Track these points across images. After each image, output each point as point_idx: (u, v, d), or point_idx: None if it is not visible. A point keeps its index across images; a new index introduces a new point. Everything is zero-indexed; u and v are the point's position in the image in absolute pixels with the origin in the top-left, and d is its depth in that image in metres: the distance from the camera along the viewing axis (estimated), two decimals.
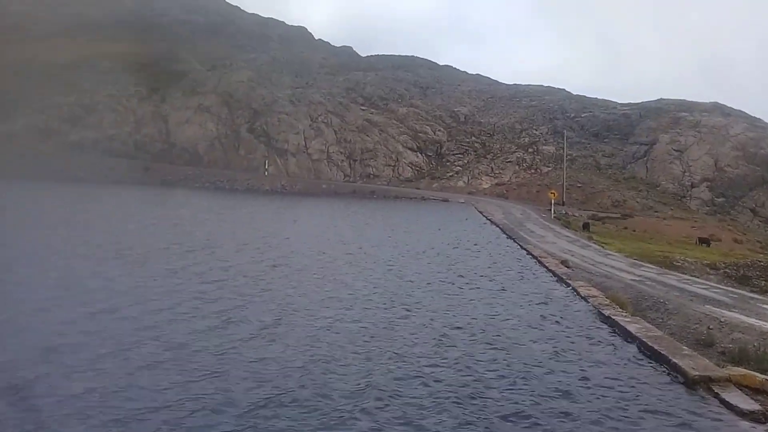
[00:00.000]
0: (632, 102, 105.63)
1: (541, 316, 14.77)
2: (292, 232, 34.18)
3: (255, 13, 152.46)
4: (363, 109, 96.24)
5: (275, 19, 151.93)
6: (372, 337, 12.12)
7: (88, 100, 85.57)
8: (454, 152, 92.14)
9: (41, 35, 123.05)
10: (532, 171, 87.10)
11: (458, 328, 13.18)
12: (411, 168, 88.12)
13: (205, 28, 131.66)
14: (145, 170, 72.40)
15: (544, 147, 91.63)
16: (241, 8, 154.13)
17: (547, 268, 22.96)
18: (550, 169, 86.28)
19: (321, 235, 32.70)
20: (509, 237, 35.32)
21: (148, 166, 73.65)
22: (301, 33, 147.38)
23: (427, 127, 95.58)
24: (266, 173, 79.99)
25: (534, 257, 26.11)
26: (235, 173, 77.61)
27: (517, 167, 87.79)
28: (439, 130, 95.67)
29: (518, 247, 30.54)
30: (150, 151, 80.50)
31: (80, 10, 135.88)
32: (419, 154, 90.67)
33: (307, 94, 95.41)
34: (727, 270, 30.11)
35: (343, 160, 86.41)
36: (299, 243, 27.90)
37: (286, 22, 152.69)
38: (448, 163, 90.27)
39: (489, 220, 47.51)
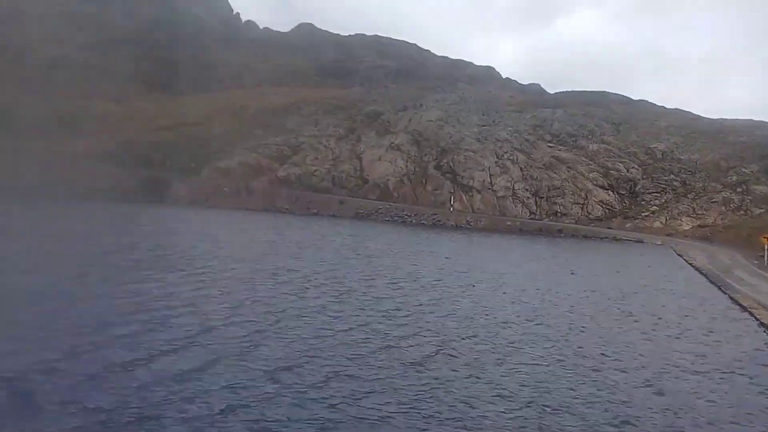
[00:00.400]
0: None
1: None
2: (539, 275, 34.27)
3: (445, 56, 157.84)
4: (550, 146, 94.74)
5: (464, 61, 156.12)
6: None
7: (294, 140, 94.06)
8: (650, 191, 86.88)
9: (256, 83, 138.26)
10: (742, 212, 79.24)
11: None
12: (601, 206, 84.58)
13: (398, 72, 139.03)
14: (340, 203, 77.64)
15: (755, 187, 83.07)
16: (432, 52, 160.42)
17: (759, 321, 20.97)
18: (762, 210, 77.94)
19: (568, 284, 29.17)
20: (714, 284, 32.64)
21: (343, 200, 78.90)
22: (489, 72, 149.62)
23: (620, 164, 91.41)
24: (451, 209, 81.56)
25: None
26: (422, 208, 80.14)
27: (723, 208, 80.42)
28: (633, 168, 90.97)
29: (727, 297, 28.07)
30: (345, 186, 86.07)
31: (290, 60, 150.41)
32: (610, 192, 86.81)
33: (494, 132, 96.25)
34: None
35: (528, 198, 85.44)
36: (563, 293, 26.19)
37: (474, 63, 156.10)
38: (642, 202, 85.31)
39: (690, 264, 44.15)
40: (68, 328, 12.45)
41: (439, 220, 75.75)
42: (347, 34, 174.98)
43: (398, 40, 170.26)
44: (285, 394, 10.07)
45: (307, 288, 20.45)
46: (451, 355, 13.32)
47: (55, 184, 79.94)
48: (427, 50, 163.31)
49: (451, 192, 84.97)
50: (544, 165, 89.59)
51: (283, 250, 31.96)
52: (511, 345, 14.79)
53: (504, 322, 17.49)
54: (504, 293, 23.56)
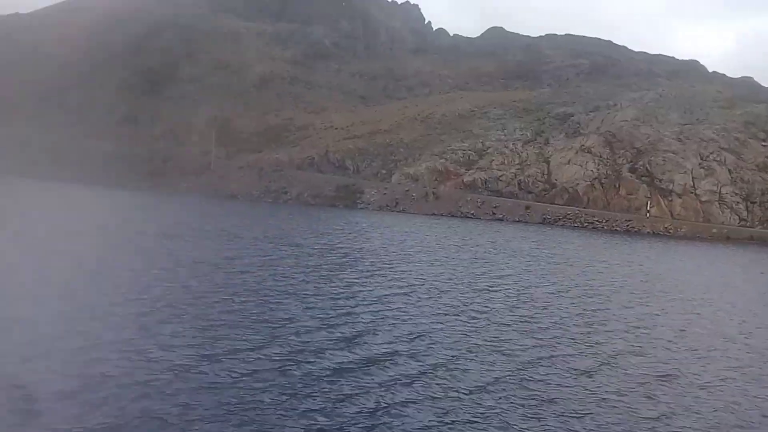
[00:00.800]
0: None
1: None
2: None
3: (643, 51, 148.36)
4: (764, 145, 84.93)
5: (664, 56, 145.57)
6: None
7: (480, 144, 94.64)
8: None
9: (444, 89, 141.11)
10: None
11: None
12: None
13: (590, 71, 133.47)
14: (526, 209, 76.70)
15: None
16: (628, 47, 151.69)
17: None
18: None
19: None
20: None
21: (529, 205, 77.84)
22: (693, 67, 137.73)
23: None
24: (647, 215, 76.63)
25: None
26: (615, 214, 76.33)
27: None
28: None
29: None
30: (532, 191, 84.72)
31: (476, 65, 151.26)
32: None
33: (697, 131, 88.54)
34: None
35: (738, 203, 77.45)
36: None
37: (676, 57, 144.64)
38: None
39: None
40: (282, 326, 13.60)
41: (633, 227, 71.66)
42: (537, 35, 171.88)
43: (590, 37, 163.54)
44: (490, 414, 10.09)
45: (510, 299, 20.08)
46: None
47: (267, 191, 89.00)
48: (622, 46, 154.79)
49: (647, 197, 79.83)
50: (757, 166, 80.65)
51: (472, 254, 32.54)
52: None
53: None
54: None
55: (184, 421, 7.80)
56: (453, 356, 12.85)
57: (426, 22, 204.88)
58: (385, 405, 9.92)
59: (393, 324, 15.00)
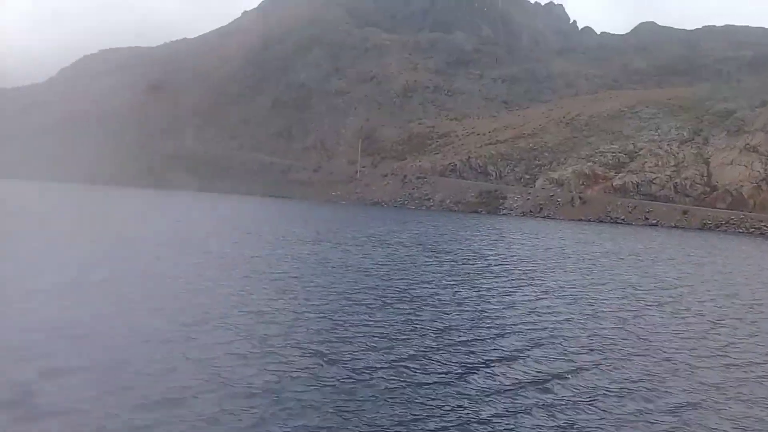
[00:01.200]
0: None
1: None
2: None
3: None
4: None
5: None
6: None
7: (631, 146, 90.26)
8: None
9: (590, 89, 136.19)
10: None
11: None
12: None
13: (754, 63, 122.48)
14: (683, 213, 72.03)
15: None
16: None
17: None
18: None
19: None
20: None
21: (686, 210, 73.00)
22: None
23: None
24: None
25: None
26: None
27: None
28: None
29: None
30: (689, 194, 79.32)
31: (626, 62, 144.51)
32: None
33: None
34: None
35: None
36: None
37: None
38: None
39: None
40: (414, 329, 14.16)
41: None
42: (693, 28, 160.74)
43: (754, 27, 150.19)
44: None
45: (681, 313, 18.71)
46: None
47: (411, 197, 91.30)
48: None
49: None
50: None
51: (624, 263, 31.42)
52: None
53: None
54: None
55: (364, 425, 8.50)
56: (648, 372, 11.84)
57: (571, 21, 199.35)
58: (571, 423, 9.11)
59: (564, 337, 14.10)
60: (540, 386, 10.49)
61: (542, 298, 18.85)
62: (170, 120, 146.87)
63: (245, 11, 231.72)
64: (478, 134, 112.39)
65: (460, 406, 9.25)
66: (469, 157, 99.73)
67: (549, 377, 10.93)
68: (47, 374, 9.32)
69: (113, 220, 41.60)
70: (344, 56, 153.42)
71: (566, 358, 12.36)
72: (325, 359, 10.83)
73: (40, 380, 9.10)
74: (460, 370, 10.87)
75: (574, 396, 10.20)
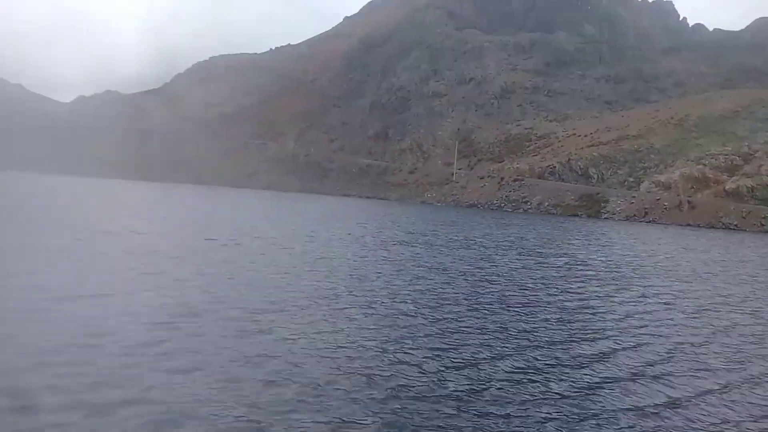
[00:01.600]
0: None
1: None
2: None
3: None
4: None
5: None
6: None
7: (746, 148, 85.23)
8: None
9: (700, 89, 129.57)
10: None
11: None
12: None
13: None
14: None
15: None
16: None
17: None
18: None
19: None
20: None
21: None
22: None
23: None
24: None
25: None
26: None
27: None
28: None
29: None
30: None
31: (741, 60, 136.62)
32: None
33: None
34: None
35: None
36: None
37: None
38: None
39: None
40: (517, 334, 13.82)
41: None
42: None
43: None
44: None
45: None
46: None
47: (507, 200, 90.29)
48: None
49: None
50: None
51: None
52: None
53: None
54: None
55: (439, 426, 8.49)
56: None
57: (681, 18, 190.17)
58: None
59: (667, 346, 12.05)
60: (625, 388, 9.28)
61: (658, 310, 17.36)
62: (274, 124, 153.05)
63: (346, 17, 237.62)
64: (579, 136, 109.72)
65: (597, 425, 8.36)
66: (569, 159, 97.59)
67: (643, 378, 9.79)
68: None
69: (244, 218, 43.42)
70: (443, 58, 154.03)
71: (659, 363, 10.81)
72: (445, 362, 10.32)
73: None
74: (588, 385, 9.62)
75: (679, 398, 9.04)
